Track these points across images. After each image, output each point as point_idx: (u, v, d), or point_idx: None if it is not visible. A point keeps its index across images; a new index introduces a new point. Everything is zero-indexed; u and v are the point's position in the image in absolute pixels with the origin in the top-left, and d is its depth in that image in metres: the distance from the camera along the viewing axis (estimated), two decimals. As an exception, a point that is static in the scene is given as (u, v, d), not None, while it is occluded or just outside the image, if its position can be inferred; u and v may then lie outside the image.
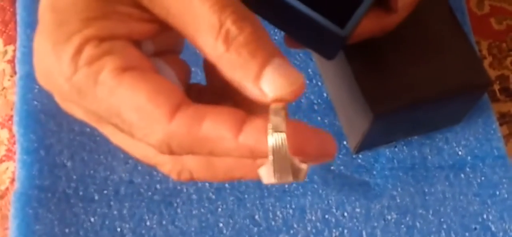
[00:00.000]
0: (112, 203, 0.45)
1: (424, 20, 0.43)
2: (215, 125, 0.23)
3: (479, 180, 0.47)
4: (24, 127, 0.47)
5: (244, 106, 0.25)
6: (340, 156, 0.47)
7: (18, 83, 0.48)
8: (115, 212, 0.45)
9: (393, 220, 0.45)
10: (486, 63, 0.86)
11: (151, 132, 0.23)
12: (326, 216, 0.45)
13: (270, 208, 0.45)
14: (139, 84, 0.23)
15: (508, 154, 0.48)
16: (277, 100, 0.23)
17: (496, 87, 0.85)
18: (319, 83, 0.49)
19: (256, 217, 0.45)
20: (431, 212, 0.46)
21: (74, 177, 0.46)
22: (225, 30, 0.23)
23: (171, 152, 0.23)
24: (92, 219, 0.44)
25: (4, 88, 0.87)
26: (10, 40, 0.89)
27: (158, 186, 0.46)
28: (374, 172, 0.47)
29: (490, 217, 0.46)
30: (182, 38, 0.25)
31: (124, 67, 0.23)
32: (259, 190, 0.46)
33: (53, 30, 0.23)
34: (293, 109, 0.48)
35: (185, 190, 0.46)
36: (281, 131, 0.22)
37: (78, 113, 0.26)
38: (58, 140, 0.47)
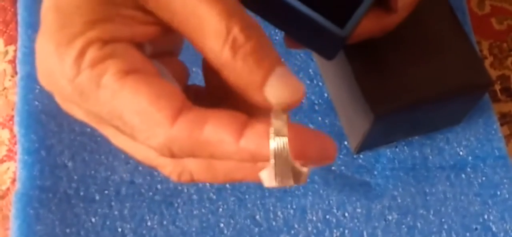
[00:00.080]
0: (113, 203, 0.45)
1: (425, 20, 0.43)
2: (216, 129, 0.23)
3: (480, 181, 0.47)
4: (25, 128, 0.47)
5: (242, 108, 0.25)
6: (341, 156, 0.47)
7: (19, 83, 0.48)
8: (116, 213, 0.45)
9: (394, 220, 0.45)
10: (487, 63, 0.86)
11: (152, 136, 0.23)
12: (327, 216, 0.45)
13: (271, 208, 0.45)
14: (142, 87, 0.23)
15: (509, 154, 0.48)
16: (279, 106, 0.23)
17: (497, 87, 0.85)
18: (320, 84, 0.49)
19: (257, 217, 0.45)
20: (432, 212, 0.46)
21: (75, 177, 0.46)
22: (232, 38, 0.23)
23: (172, 155, 0.23)
24: (93, 220, 0.44)
25: (5, 88, 0.87)
26: (11, 40, 0.89)
27: (159, 186, 0.46)
28: (375, 172, 0.47)
29: (491, 218, 0.45)
30: (182, 40, 0.25)
31: (127, 70, 0.23)
32: (260, 190, 0.46)
33: (56, 32, 0.23)
34: (294, 110, 0.48)
35: (186, 190, 0.46)
36: (283, 135, 0.22)
37: (79, 114, 0.26)
38: (59, 141, 0.47)
